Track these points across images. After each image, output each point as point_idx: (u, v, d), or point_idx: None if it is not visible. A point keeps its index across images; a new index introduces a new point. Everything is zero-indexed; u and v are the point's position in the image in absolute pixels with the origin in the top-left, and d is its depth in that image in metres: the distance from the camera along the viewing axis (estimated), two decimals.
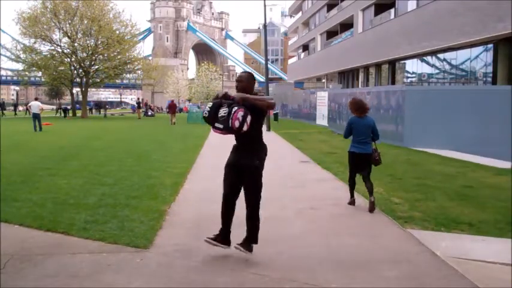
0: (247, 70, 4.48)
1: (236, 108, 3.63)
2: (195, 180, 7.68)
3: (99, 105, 59.70)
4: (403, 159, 10.63)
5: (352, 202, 5.97)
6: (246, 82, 3.89)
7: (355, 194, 6.11)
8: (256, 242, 3.93)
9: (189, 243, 4.27)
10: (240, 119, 3.60)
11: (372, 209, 5.59)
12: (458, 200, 6.16)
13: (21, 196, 6.01)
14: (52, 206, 5.49)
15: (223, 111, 3.69)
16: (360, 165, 5.89)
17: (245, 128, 3.65)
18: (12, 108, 47.99)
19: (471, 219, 5.12)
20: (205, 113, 3.80)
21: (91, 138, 15.90)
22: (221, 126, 3.70)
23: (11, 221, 4.85)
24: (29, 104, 22.30)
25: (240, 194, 3.98)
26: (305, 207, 5.76)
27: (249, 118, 3.65)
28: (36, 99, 21.93)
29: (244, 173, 3.86)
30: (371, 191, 5.70)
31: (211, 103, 3.81)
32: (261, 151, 3.92)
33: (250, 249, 3.88)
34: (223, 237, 3.99)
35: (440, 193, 6.58)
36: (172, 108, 28.47)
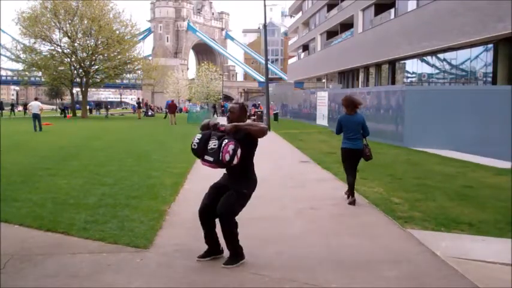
0: (240, 102, 4.39)
1: (227, 141, 3.55)
2: (195, 180, 7.67)
3: (100, 105, 59.57)
4: (403, 159, 10.63)
5: (352, 202, 5.99)
6: (238, 113, 3.82)
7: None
8: (239, 257, 3.73)
9: (189, 243, 4.27)
10: (231, 152, 3.52)
11: (351, 202, 5.97)
12: (458, 200, 6.15)
13: (21, 196, 6.01)
14: (52, 206, 5.49)
15: (212, 144, 3.60)
16: (352, 160, 6.12)
17: (235, 161, 3.57)
18: (9, 108, 46.99)
19: (471, 219, 5.12)
20: (194, 145, 3.67)
21: (91, 138, 15.90)
22: (211, 159, 3.59)
23: (11, 221, 4.85)
24: (29, 104, 22.30)
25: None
26: (305, 207, 5.76)
27: (239, 151, 3.57)
28: (36, 99, 21.91)
29: (228, 192, 3.71)
30: (353, 187, 6.09)
31: (199, 135, 3.70)
32: (251, 183, 3.81)
33: (234, 262, 3.70)
34: (213, 251, 3.85)
35: (440, 193, 6.58)
36: (172, 108, 28.42)
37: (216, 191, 3.80)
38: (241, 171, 3.76)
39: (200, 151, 3.66)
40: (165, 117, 35.92)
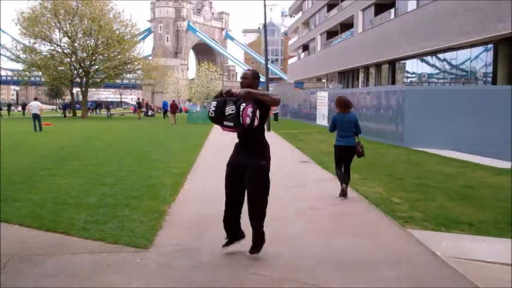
0: (251, 68, 4.49)
1: (244, 105, 3.63)
2: (195, 180, 7.68)
3: (100, 105, 59.39)
4: (403, 159, 10.63)
5: (342, 191, 6.28)
6: (251, 79, 3.89)
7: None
8: (258, 250, 3.88)
9: (189, 243, 4.27)
10: (250, 115, 3.61)
11: (342, 195, 6.29)
12: (458, 200, 6.15)
13: (21, 196, 6.01)
14: (52, 206, 5.49)
15: (230, 109, 3.67)
16: (345, 157, 6.46)
17: (256, 123, 3.66)
18: (6, 108, 46.14)
19: (471, 219, 5.12)
20: (211, 113, 3.75)
21: (91, 138, 15.90)
22: (231, 124, 3.68)
23: (11, 221, 4.85)
24: (29, 104, 22.31)
25: None
26: (305, 207, 5.76)
27: (258, 113, 3.66)
28: (35, 99, 21.94)
29: (249, 174, 3.79)
30: (347, 182, 6.43)
31: (214, 102, 3.77)
32: (266, 149, 3.90)
33: (257, 251, 3.87)
34: (232, 237, 4.00)
35: (440, 193, 6.58)
36: (173, 108, 28.43)
37: (236, 176, 3.87)
38: (254, 138, 3.83)
39: (218, 118, 3.74)
40: (164, 117, 35.92)
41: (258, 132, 3.83)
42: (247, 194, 3.86)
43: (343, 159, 6.46)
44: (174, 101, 30.60)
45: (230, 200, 3.94)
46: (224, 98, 3.78)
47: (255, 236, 3.87)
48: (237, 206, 3.94)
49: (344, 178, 6.38)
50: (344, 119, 6.43)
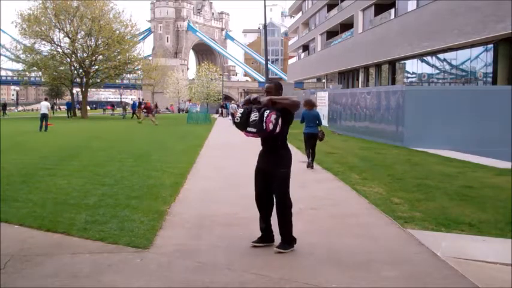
0: (276, 80, 4.79)
1: (268, 111, 3.84)
2: (195, 180, 7.68)
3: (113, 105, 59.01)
4: (403, 159, 10.63)
5: (308, 164, 8.99)
6: (274, 92, 4.10)
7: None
8: (291, 244, 4.06)
9: (189, 243, 4.27)
10: (273, 121, 3.82)
11: (309, 166, 8.98)
12: (459, 200, 6.15)
13: (21, 196, 6.01)
14: (52, 206, 5.48)
15: (254, 116, 3.89)
16: (310, 141, 9.10)
17: (278, 129, 3.87)
18: (1, 108, 44.81)
19: (471, 219, 5.12)
20: (237, 119, 4.00)
21: (91, 138, 15.90)
22: (254, 130, 3.89)
23: (11, 221, 4.85)
24: (39, 104, 22.81)
25: None
26: (305, 207, 5.76)
27: (280, 120, 3.87)
28: (45, 99, 22.32)
29: (272, 181, 4.05)
30: (313, 158, 9.13)
31: (241, 109, 4.02)
32: (287, 157, 4.13)
33: (287, 248, 4.02)
34: (265, 237, 4.17)
35: (440, 193, 6.57)
36: (148, 109, 28.49)
37: (261, 177, 4.13)
38: (276, 145, 4.05)
39: (243, 124, 3.97)
40: (132, 117, 35.88)
41: (279, 140, 4.03)
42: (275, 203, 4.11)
43: (310, 142, 9.07)
44: (148, 102, 30.78)
45: (257, 192, 4.16)
46: (251, 106, 3.99)
47: (282, 236, 4.09)
48: (264, 196, 4.13)
49: (310, 155, 9.05)
50: (310, 114, 9.02)
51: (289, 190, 4.11)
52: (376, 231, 4.75)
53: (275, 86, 4.15)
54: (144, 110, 40.45)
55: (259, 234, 4.21)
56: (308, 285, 3.32)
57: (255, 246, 4.11)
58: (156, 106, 63.51)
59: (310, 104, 9.18)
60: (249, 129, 3.94)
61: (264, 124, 3.82)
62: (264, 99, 3.94)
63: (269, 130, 3.82)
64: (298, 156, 11.14)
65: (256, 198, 4.18)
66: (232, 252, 3.98)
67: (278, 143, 4.04)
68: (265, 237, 4.18)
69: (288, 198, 4.09)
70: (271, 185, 4.06)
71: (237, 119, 4.01)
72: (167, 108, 66.22)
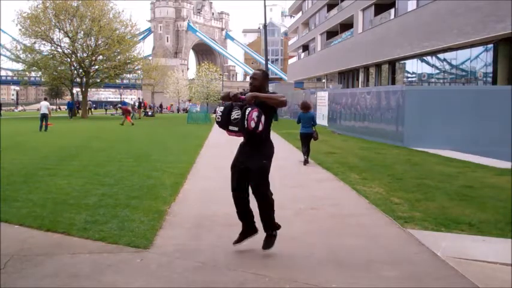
0: (262, 68, 4.56)
1: (250, 109, 3.67)
2: (195, 180, 7.68)
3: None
4: (403, 159, 10.63)
5: (305, 161, 9.75)
6: (260, 80, 3.93)
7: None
8: (274, 236, 3.99)
9: (189, 243, 4.27)
10: (255, 119, 3.66)
11: (305, 163, 9.73)
12: (459, 200, 6.15)
13: (21, 196, 6.01)
14: (52, 206, 5.48)
15: (235, 114, 3.74)
16: (306, 140, 9.84)
17: (260, 127, 3.71)
18: None
19: (471, 219, 5.12)
20: (218, 118, 3.83)
21: (91, 138, 15.90)
22: (236, 128, 3.75)
23: (11, 221, 4.85)
24: (39, 104, 22.78)
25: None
26: (305, 207, 5.76)
27: (263, 118, 3.71)
28: (45, 99, 22.32)
29: (251, 173, 3.86)
30: (308, 155, 9.87)
31: (221, 107, 3.84)
32: (269, 148, 3.94)
33: (272, 243, 3.96)
34: (246, 231, 4.05)
35: (440, 193, 6.57)
36: (126, 110, 28.30)
37: (239, 174, 3.92)
38: (259, 139, 3.87)
39: (224, 122, 3.82)
40: (71, 117, 35.47)
41: (262, 134, 3.86)
42: (252, 192, 3.93)
43: (305, 141, 9.84)
44: (124, 102, 30.65)
45: (236, 201, 3.98)
46: (231, 103, 3.82)
47: (266, 231, 4.00)
48: (243, 204, 3.98)
49: (305, 153, 9.82)
50: (305, 116, 9.87)
51: (268, 182, 3.92)
52: (376, 231, 4.75)
53: (262, 73, 3.97)
54: (143, 110, 40.50)
55: (258, 234, 4.18)
56: (308, 285, 3.32)
57: (237, 244, 4.02)
58: (160, 106, 64.10)
59: (306, 107, 10.00)
60: (230, 127, 3.78)
61: (245, 122, 3.66)
62: (248, 95, 3.74)
63: (251, 128, 3.66)
64: (297, 156, 11.15)
65: (234, 194, 3.97)
66: (232, 252, 3.98)
67: (262, 136, 3.87)
68: (246, 231, 4.05)
69: (267, 189, 3.90)
70: (250, 177, 3.87)
71: (218, 118, 3.83)
72: (160, 107, 66.29)
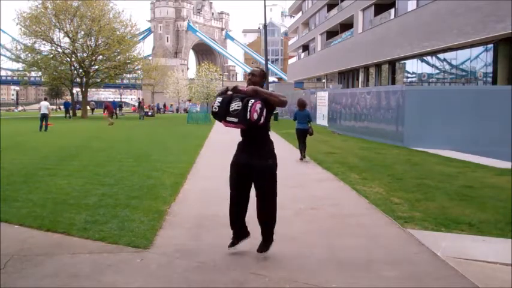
0: (260, 67, 4.47)
1: (253, 100, 3.59)
2: (195, 180, 7.68)
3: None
4: (403, 159, 10.63)
5: (301, 158, 10.26)
6: (258, 77, 3.91)
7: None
8: (271, 240, 3.95)
9: (189, 243, 4.27)
10: (258, 111, 3.58)
11: (301, 159, 10.26)
12: (459, 200, 6.15)
13: (21, 196, 6.01)
14: (52, 206, 5.48)
15: (235, 105, 3.64)
16: (301, 136, 10.37)
17: (262, 120, 3.63)
18: None
19: (471, 219, 5.12)
20: (215, 108, 3.71)
21: (91, 138, 15.90)
22: (235, 119, 3.64)
23: (11, 221, 4.85)
24: (39, 104, 22.72)
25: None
26: (305, 207, 5.76)
27: (265, 112, 3.65)
28: (45, 99, 22.33)
29: (257, 175, 3.80)
30: (304, 151, 10.35)
31: (220, 98, 3.74)
32: (270, 145, 3.90)
33: (269, 246, 3.93)
34: (238, 236, 4.00)
35: (440, 193, 6.57)
36: (109, 108, 27.97)
37: (241, 175, 3.84)
38: (259, 137, 3.83)
39: (222, 113, 3.70)
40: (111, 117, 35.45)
41: (262, 131, 3.81)
42: (256, 194, 3.87)
43: (301, 137, 10.38)
44: (107, 102, 30.49)
45: (235, 201, 3.92)
46: (230, 95, 3.74)
47: (265, 235, 3.92)
48: (242, 205, 3.93)
49: (302, 149, 10.30)
50: (301, 114, 10.49)
51: (276, 186, 3.90)
52: (376, 231, 4.75)
53: (260, 71, 3.95)
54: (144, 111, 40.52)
55: (259, 234, 4.17)
56: (308, 285, 3.32)
57: (232, 247, 3.97)
58: (164, 106, 64.34)
59: (303, 105, 10.61)
60: (229, 119, 3.67)
61: (248, 113, 3.56)
62: (250, 88, 3.70)
63: (254, 120, 3.56)
64: (297, 156, 11.16)
65: (234, 198, 3.89)
66: (232, 253, 3.98)
67: (262, 133, 3.82)
68: (240, 233, 3.99)
69: (276, 193, 3.89)
70: (255, 179, 3.80)
71: (215, 108, 3.71)
72: (164, 107, 66.36)
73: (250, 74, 3.94)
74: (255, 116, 3.57)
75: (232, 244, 3.99)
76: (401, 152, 12.17)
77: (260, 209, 3.87)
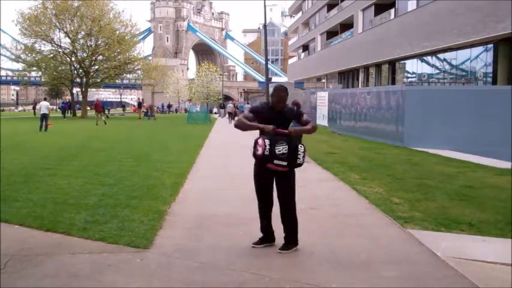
0: (282, 84, 4.59)
1: (301, 146, 3.87)
2: (195, 180, 7.68)
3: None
4: (403, 159, 10.63)
5: None
6: (286, 94, 4.10)
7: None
8: (296, 243, 4.07)
9: (189, 243, 4.27)
10: (302, 154, 3.88)
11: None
12: (459, 200, 6.15)
13: (21, 196, 6.01)
14: (52, 206, 5.48)
15: (283, 148, 3.79)
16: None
17: (303, 160, 3.91)
18: None
19: (471, 219, 5.12)
20: (267, 151, 3.79)
21: (91, 139, 15.90)
22: (284, 163, 3.83)
23: (11, 221, 4.85)
24: (39, 104, 22.76)
25: None
26: (305, 207, 5.75)
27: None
28: (45, 99, 22.35)
29: (278, 180, 4.02)
30: None
31: (268, 140, 3.80)
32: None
33: (291, 248, 4.03)
34: (266, 237, 4.15)
35: (440, 193, 6.57)
36: (98, 107, 26.99)
37: (264, 186, 4.05)
38: None
39: (269, 157, 3.84)
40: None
41: None
42: (278, 199, 4.06)
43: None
44: (98, 100, 29.75)
45: (257, 186, 4.09)
46: (273, 137, 3.82)
47: (287, 234, 4.08)
48: (269, 201, 4.11)
49: None
50: None
51: (295, 189, 4.09)
52: (376, 231, 4.75)
53: (286, 88, 4.13)
54: (143, 110, 40.56)
55: (259, 233, 4.20)
56: (308, 285, 3.32)
57: (254, 247, 4.09)
58: (169, 106, 64.54)
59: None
60: (276, 162, 3.82)
61: (300, 158, 3.85)
62: (292, 131, 3.90)
63: (302, 164, 3.88)
64: None
65: (261, 194, 4.08)
66: (232, 252, 3.98)
67: None
68: (266, 238, 4.15)
69: (295, 195, 4.08)
70: (278, 181, 4.01)
71: (267, 152, 3.78)
72: (168, 108, 66.40)
73: (283, 91, 4.04)
74: (303, 160, 3.86)
75: (257, 243, 4.13)
76: (401, 152, 12.17)
77: (281, 204, 4.10)
